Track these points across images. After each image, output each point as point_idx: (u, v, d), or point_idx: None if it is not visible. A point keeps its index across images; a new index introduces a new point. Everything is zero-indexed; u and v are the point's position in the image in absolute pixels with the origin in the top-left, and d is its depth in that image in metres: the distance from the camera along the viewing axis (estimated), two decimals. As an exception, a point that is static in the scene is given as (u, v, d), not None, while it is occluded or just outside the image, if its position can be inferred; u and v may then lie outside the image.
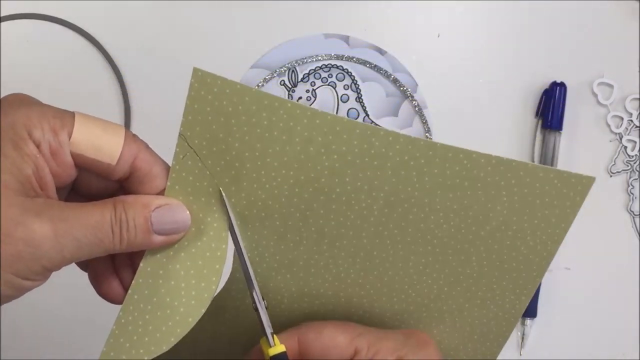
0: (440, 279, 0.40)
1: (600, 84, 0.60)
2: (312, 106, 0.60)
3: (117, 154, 0.34)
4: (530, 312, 0.60)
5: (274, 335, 0.37)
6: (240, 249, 0.36)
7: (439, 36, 0.61)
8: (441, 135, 0.61)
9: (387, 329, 0.41)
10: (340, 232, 0.38)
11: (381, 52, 0.61)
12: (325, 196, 0.37)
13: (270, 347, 0.36)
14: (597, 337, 0.61)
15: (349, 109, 0.61)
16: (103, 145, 0.34)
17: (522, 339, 0.60)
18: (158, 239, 0.35)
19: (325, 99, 0.61)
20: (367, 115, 0.61)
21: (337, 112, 0.61)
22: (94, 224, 0.33)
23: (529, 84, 0.61)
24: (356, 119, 0.61)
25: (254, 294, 0.36)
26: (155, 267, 0.36)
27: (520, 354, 0.61)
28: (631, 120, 0.60)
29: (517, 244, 0.39)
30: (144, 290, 0.36)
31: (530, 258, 0.40)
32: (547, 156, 0.60)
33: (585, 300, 0.61)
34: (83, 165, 0.34)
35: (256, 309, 0.36)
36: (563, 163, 0.60)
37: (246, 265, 0.36)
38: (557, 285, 0.61)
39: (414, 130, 0.61)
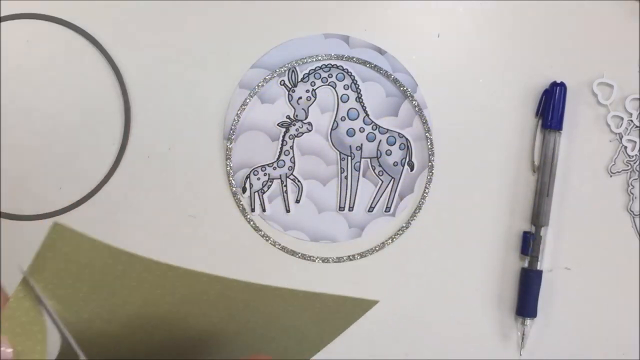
0: None
1: (600, 84, 0.60)
2: (311, 107, 0.61)
3: None
4: (530, 312, 0.60)
5: None
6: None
7: (439, 36, 0.61)
8: (441, 134, 0.61)
9: None
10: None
11: (381, 52, 0.61)
12: (151, 324, 0.39)
13: None
14: (597, 337, 0.61)
15: (349, 109, 0.61)
16: None
17: (522, 339, 0.60)
18: None
19: (325, 99, 0.61)
20: (367, 115, 0.60)
21: (337, 112, 0.61)
22: None
23: (529, 84, 0.61)
24: (356, 119, 0.61)
25: None
26: None
27: (520, 354, 0.61)
28: (631, 120, 0.60)
29: (302, 342, 0.44)
30: None
31: (304, 347, 0.45)
32: (547, 156, 0.60)
33: (585, 300, 0.61)
34: None
35: None
36: (563, 163, 0.60)
37: None
38: (557, 285, 0.61)
39: (414, 130, 0.61)
